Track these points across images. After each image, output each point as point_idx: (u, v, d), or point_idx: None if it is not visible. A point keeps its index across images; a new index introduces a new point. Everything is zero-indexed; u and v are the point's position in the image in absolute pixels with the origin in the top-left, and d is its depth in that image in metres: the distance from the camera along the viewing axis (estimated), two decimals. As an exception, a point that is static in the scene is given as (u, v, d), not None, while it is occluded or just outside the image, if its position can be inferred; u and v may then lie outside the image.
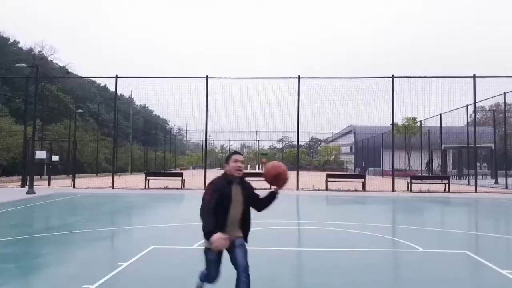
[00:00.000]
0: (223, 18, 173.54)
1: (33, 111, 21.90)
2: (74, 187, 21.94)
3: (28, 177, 19.76)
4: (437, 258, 6.56)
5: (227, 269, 3.98)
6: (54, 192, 19.25)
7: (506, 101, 25.12)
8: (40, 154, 23.62)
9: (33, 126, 21.69)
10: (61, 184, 23.52)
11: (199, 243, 7.63)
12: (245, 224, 4.00)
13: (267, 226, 9.17)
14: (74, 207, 14.00)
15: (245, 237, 4.00)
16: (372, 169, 47.79)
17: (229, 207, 3.82)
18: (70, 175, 27.00)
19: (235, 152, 4.11)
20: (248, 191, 4.01)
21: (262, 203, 4.09)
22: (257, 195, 4.08)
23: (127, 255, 6.46)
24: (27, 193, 17.85)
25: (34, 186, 18.75)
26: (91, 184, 23.73)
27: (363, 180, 22.90)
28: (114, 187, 21.90)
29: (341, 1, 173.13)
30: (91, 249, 7.13)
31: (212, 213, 3.71)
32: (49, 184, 23.22)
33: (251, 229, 4.00)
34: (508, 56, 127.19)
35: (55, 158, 27.78)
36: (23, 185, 21.84)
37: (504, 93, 23.64)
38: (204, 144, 29.73)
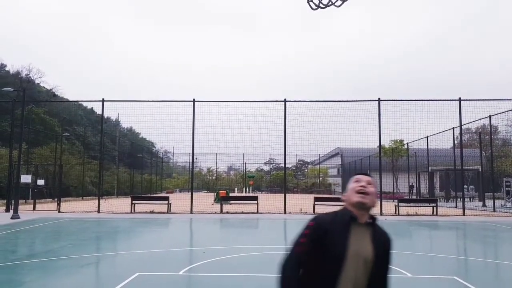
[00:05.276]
0: (212, 40, 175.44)
1: (19, 135, 21.70)
2: (59, 211, 21.60)
3: (13, 202, 19.43)
4: (425, 284, 6.54)
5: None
6: (39, 216, 18.94)
7: (491, 123, 25.41)
8: (26, 178, 23.29)
9: (19, 149, 21.47)
10: (46, 208, 23.16)
11: (186, 269, 7.53)
12: None
13: (253, 252, 9.08)
14: (59, 232, 13.75)
15: None
16: (359, 191, 47.80)
17: (340, 265, 2.11)
18: (56, 199, 26.61)
19: (359, 173, 2.40)
20: (383, 247, 2.23)
21: None
22: (387, 265, 2.26)
23: (113, 282, 6.35)
24: (11, 218, 17.52)
25: (19, 211, 18.42)
26: (77, 208, 23.37)
27: (351, 203, 22.79)
28: (100, 211, 21.60)
29: (328, 25, 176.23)
30: (75, 276, 6.98)
31: (295, 276, 2.20)
32: (34, 209, 22.82)
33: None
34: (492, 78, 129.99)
35: (41, 182, 27.46)
36: (7, 210, 21.46)
37: (490, 116, 23.90)
38: (190, 166, 29.54)
